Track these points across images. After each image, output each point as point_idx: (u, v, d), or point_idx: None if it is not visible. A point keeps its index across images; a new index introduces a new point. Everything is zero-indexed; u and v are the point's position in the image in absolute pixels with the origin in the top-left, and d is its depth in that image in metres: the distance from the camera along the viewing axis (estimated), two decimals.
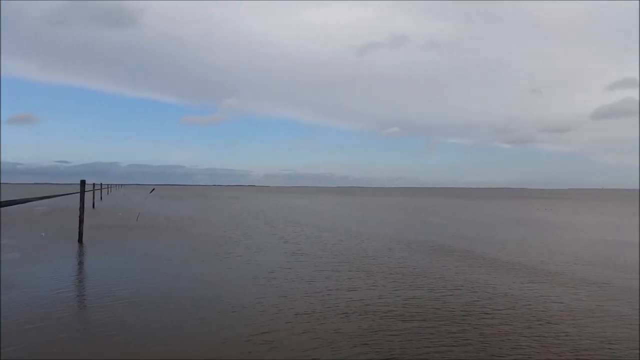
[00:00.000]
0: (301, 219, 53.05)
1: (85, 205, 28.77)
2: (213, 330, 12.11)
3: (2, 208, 17.54)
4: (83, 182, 28.68)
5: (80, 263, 22.02)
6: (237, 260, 23.35)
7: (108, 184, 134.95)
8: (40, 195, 24.62)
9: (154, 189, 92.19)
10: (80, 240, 27.74)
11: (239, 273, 20.05)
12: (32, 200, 20.30)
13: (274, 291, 16.74)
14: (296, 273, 20.28)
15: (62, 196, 31.80)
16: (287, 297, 15.88)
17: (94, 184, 75.28)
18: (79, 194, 28.55)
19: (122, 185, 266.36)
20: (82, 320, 12.97)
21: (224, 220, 49.32)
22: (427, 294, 16.95)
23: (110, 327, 12.14)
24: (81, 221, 28.24)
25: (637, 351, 10.44)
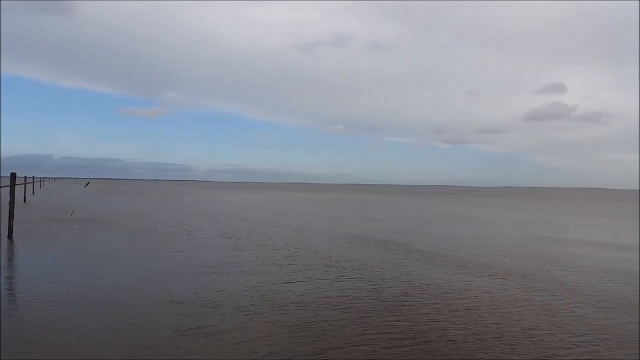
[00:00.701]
0: (245, 214, 52.59)
1: (15, 200, 27.18)
2: (148, 327, 11.85)
3: None
4: (13, 175, 27.47)
5: (10, 260, 20.73)
6: (177, 255, 22.87)
7: (41, 178, 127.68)
8: None
9: (89, 183, 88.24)
10: (10, 236, 26.10)
11: (179, 268, 19.66)
12: None
13: (214, 286, 16.58)
14: (237, 267, 20.15)
15: None
16: (226, 292, 15.79)
17: (25, 177, 71.51)
18: (9, 187, 27.13)
19: (55, 178, 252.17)
20: (8, 320, 12.27)
21: (164, 215, 47.96)
22: (364, 285, 17.43)
23: (39, 327, 11.58)
24: (11, 216, 26.62)
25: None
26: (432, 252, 26.07)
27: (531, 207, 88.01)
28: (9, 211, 26.69)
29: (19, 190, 35.50)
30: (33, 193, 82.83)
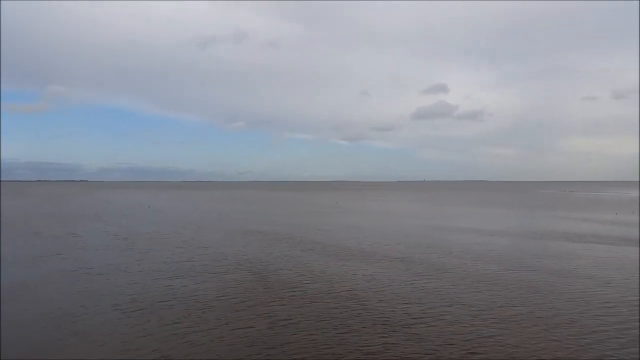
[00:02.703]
0: (139, 214, 50.19)
1: None
2: (19, 334, 11.23)
3: None
4: None
5: None
6: (58, 259, 21.45)
7: None
8: None
9: None
10: None
11: (60, 272, 18.52)
12: None
13: (95, 288, 15.93)
14: (123, 268, 19.36)
15: None
16: (109, 292, 15.28)
17: None
18: None
19: None
20: None
21: (46, 218, 44.19)
22: (251, 276, 17.87)
23: None
24: None
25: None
26: (327, 243, 27.26)
27: (420, 199, 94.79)
28: None
29: None
30: None
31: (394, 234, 32.21)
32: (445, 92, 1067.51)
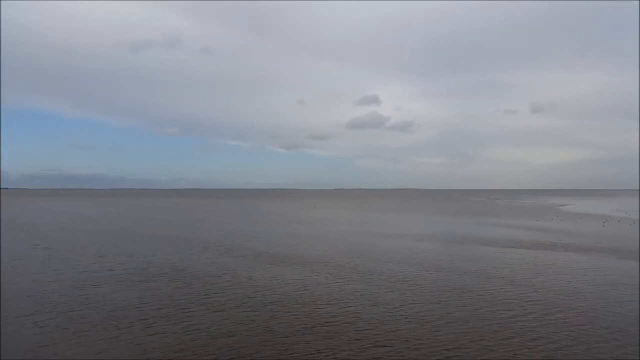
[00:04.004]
0: (63, 223, 47.44)
1: None
2: None
3: None
4: None
5: None
6: None
7: None
8: None
9: None
10: None
11: None
12: None
13: (4, 298, 15.14)
14: (36, 278, 18.51)
15: None
16: (18, 302, 14.58)
17: None
18: None
19: None
20: None
21: None
22: (173, 284, 17.65)
23: None
24: None
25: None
26: (260, 250, 27.27)
27: (355, 207, 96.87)
28: None
29: None
30: None
31: (327, 240, 32.86)
32: (377, 103, 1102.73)
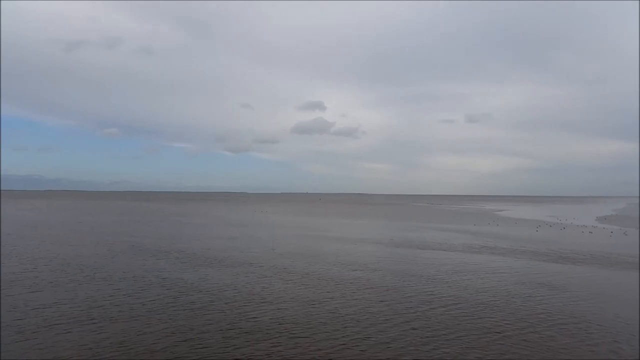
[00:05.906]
0: None
1: None
2: None
3: None
4: None
5: None
6: None
7: None
8: None
9: None
10: None
11: None
12: None
13: None
14: None
15: None
16: None
17: None
18: None
19: None
20: None
21: None
22: (102, 291, 17.02)
23: None
24: None
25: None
26: (203, 255, 26.72)
27: (301, 211, 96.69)
28: None
29: None
30: None
31: (271, 244, 32.50)
32: (322, 109, 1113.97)
